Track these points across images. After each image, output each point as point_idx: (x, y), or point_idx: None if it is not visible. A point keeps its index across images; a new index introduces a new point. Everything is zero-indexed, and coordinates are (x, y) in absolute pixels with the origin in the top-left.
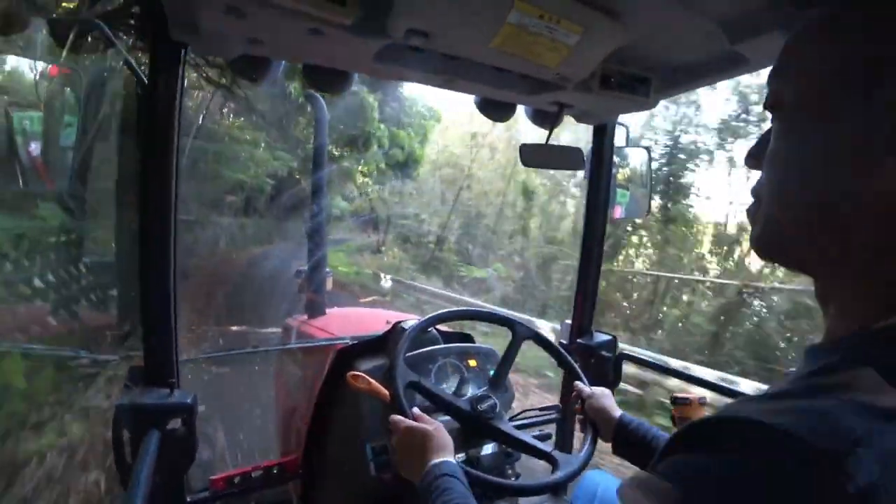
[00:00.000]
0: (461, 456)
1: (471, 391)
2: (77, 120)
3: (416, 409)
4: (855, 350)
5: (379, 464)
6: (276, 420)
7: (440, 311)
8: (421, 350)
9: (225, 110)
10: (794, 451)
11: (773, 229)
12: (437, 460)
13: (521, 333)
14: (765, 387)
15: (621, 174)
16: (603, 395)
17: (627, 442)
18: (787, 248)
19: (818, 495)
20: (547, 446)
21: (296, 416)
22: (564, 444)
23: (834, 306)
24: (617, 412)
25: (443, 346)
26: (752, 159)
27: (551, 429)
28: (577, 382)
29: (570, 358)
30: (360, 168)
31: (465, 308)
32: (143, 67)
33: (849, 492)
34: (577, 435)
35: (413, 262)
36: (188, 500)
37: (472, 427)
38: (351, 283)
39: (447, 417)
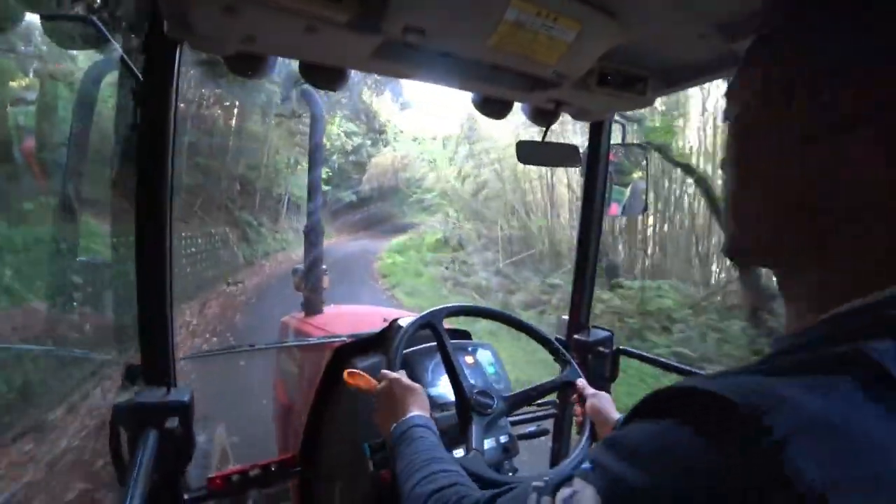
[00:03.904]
0: (459, 451)
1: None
2: (71, 116)
3: (403, 372)
4: (808, 338)
5: (377, 460)
6: (273, 418)
7: (447, 305)
8: (418, 347)
9: None
10: (724, 412)
11: (732, 237)
12: (413, 413)
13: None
14: None
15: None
16: (604, 398)
17: None
18: (749, 248)
19: (740, 452)
20: None
21: (293, 413)
22: (561, 439)
23: (792, 299)
24: (615, 415)
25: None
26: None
27: (548, 424)
28: (580, 380)
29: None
30: None
31: (471, 304)
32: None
33: (763, 445)
34: (574, 430)
35: None
36: (186, 498)
37: (461, 412)
38: None
39: (443, 414)
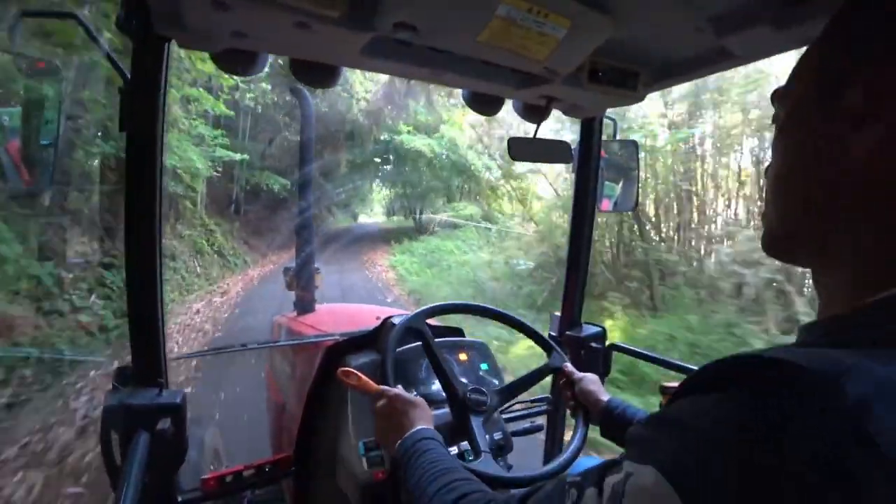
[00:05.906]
0: (453, 449)
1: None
2: (57, 116)
3: (399, 387)
4: (847, 323)
5: (371, 459)
6: (267, 418)
7: (431, 305)
8: (411, 345)
9: None
10: (794, 378)
11: (770, 229)
12: (418, 427)
13: (555, 361)
14: None
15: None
16: (591, 381)
17: (614, 425)
18: (784, 245)
19: (817, 415)
20: None
21: (287, 413)
22: (555, 434)
23: (826, 292)
24: (605, 396)
25: (433, 340)
26: None
27: (542, 420)
28: (567, 364)
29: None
30: None
31: (462, 302)
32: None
33: (844, 406)
34: (568, 425)
35: None
36: (179, 500)
37: (457, 412)
38: None
39: (439, 411)
